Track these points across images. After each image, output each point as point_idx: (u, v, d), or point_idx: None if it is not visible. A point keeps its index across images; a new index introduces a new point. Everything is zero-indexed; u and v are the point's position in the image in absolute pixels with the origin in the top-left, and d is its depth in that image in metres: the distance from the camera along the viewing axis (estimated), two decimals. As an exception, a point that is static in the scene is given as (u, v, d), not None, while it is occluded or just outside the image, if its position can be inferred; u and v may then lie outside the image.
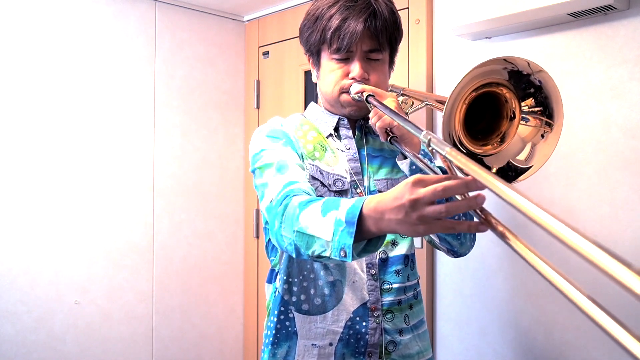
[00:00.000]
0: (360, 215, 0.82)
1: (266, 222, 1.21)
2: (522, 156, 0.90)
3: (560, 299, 1.49)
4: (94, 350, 2.03)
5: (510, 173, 0.90)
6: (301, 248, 0.91)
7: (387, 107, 1.02)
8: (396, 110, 1.00)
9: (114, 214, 2.09)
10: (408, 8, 1.81)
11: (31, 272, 1.90)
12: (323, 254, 0.87)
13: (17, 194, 1.87)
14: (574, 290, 0.56)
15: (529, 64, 0.84)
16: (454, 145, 0.83)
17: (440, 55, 1.78)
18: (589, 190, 1.42)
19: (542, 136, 0.88)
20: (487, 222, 0.74)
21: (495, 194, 0.61)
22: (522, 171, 0.89)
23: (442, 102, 1.15)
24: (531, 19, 1.43)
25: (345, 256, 0.83)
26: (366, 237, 0.84)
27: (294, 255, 0.96)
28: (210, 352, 2.36)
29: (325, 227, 0.86)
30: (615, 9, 1.33)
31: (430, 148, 0.79)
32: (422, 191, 0.73)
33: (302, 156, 1.15)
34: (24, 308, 1.88)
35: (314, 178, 1.14)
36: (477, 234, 1.23)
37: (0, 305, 1.83)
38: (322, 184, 1.14)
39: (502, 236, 0.69)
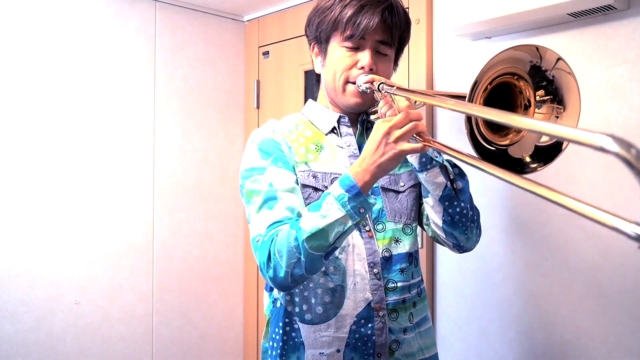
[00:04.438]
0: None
1: None
2: (544, 138, 0.93)
3: (560, 299, 1.49)
4: (94, 350, 2.03)
5: (544, 154, 0.92)
6: (320, 247, 0.97)
7: (404, 89, 1.02)
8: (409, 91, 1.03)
9: (114, 214, 2.09)
10: (408, 8, 1.81)
11: (31, 272, 1.90)
12: (345, 229, 0.98)
13: (17, 194, 1.87)
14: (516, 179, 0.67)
15: (558, 60, 0.90)
16: (475, 138, 0.92)
17: (440, 55, 1.78)
18: (589, 190, 1.42)
19: (557, 117, 0.92)
20: (428, 142, 0.97)
21: (439, 106, 0.85)
22: (557, 145, 0.93)
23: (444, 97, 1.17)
24: (531, 19, 1.43)
25: (365, 211, 0.98)
26: (366, 192, 0.99)
27: (302, 273, 1.00)
28: (210, 352, 2.36)
29: (331, 211, 0.97)
30: (615, 9, 1.33)
31: (383, 92, 1.03)
32: (390, 122, 0.96)
33: (295, 165, 1.14)
34: (24, 308, 1.88)
35: (305, 186, 1.13)
36: (482, 232, 1.24)
37: (0, 305, 1.83)
38: (315, 188, 1.13)
39: (433, 144, 0.96)
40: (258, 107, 2.45)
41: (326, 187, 1.13)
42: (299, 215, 1.06)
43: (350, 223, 0.97)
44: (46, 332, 1.92)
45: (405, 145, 0.95)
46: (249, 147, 1.18)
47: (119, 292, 2.10)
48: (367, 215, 1.00)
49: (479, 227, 1.20)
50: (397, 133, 0.95)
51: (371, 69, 1.13)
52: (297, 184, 1.12)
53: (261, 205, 1.08)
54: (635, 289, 1.35)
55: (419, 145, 0.96)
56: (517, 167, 0.91)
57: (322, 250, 0.98)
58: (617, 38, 1.38)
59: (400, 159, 0.97)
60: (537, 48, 0.89)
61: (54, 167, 1.95)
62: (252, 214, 1.10)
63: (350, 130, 1.21)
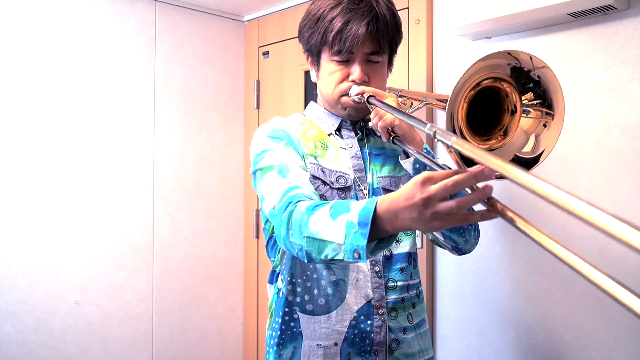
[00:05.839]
0: (375, 216, 0.83)
1: (266, 222, 1.22)
2: (528, 148, 0.90)
3: (560, 299, 1.49)
4: (94, 350, 2.03)
5: (521, 165, 0.89)
6: (312, 253, 0.92)
7: (389, 106, 1.02)
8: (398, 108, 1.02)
9: (114, 214, 2.09)
10: (408, 8, 1.81)
11: (31, 272, 1.90)
12: (336, 257, 0.88)
13: (17, 194, 1.87)
14: (587, 267, 0.59)
15: (531, 58, 0.85)
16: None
17: (440, 55, 1.78)
18: (589, 190, 1.42)
19: (545, 125, 0.89)
20: (495, 209, 0.74)
21: (508, 179, 0.63)
22: (534, 160, 0.89)
23: (441, 100, 1.15)
24: (531, 19, 1.43)
25: (359, 257, 0.84)
26: (379, 237, 0.85)
27: (305, 260, 0.96)
28: (210, 352, 2.36)
29: (337, 230, 0.87)
30: (615, 9, 1.33)
31: (436, 140, 0.79)
32: (433, 188, 0.74)
33: (303, 156, 1.16)
34: (24, 308, 1.88)
35: (315, 177, 1.14)
36: (480, 231, 1.24)
37: (0, 305, 1.83)
38: (324, 182, 1.15)
39: (511, 221, 0.70)
40: (258, 107, 2.45)
41: (332, 184, 1.15)
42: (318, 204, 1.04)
43: (342, 256, 0.87)
44: (46, 332, 1.92)
45: (445, 224, 0.77)
46: (258, 138, 1.19)
47: (119, 292, 2.10)
48: (363, 260, 0.86)
49: (477, 230, 1.21)
50: (436, 208, 0.75)
51: (363, 81, 1.14)
52: (306, 169, 1.14)
53: (275, 177, 1.07)
54: (635, 289, 1.35)
55: (474, 216, 0.77)
56: None
57: (315, 255, 0.93)
58: (617, 38, 1.38)
59: (436, 230, 0.84)
60: (509, 53, 0.85)
61: (54, 167, 1.95)
62: (267, 187, 1.08)
63: (352, 133, 1.23)
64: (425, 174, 0.77)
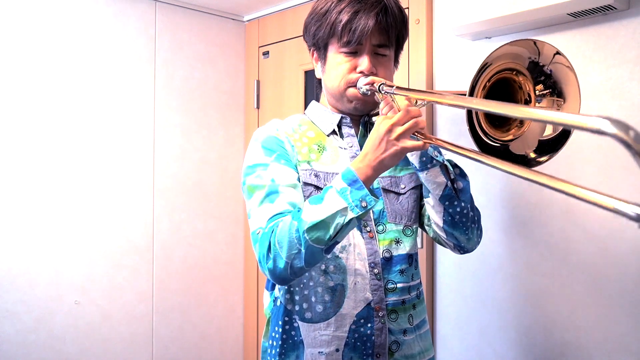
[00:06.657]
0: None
1: None
2: (548, 132, 0.94)
3: (560, 299, 1.49)
4: (94, 350, 2.03)
5: (548, 147, 0.93)
6: (319, 239, 0.97)
7: (404, 88, 1.04)
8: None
9: (114, 213, 2.09)
10: (408, 8, 1.81)
11: (31, 272, 1.90)
12: (345, 222, 0.98)
13: (17, 194, 1.87)
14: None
15: (557, 53, 0.92)
16: (476, 134, 0.93)
17: (440, 55, 1.78)
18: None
19: (558, 109, 0.93)
20: (429, 139, 1.01)
21: (438, 103, 0.86)
22: (561, 135, 0.93)
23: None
24: (531, 19, 1.43)
25: (367, 206, 0.98)
26: (367, 186, 0.99)
27: (302, 264, 0.99)
28: (210, 352, 2.36)
29: (333, 203, 0.98)
30: (615, 9, 1.33)
31: (383, 92, 1.06)
32: (391, 120, 0.99)
33: (297, 163, 1.15)
34: (24, 308, 1.88)
35: (306, 184, 1.14)
36: (482, 233, 1.24)
37: (0, 305, 1.83)
38: (317, 187, 1.14)
39: (435, 141, 1.01)
40: (258, 107, 2.45)
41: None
42: (300, 209, 1.07)
43: (351, 215, 0.97)
44: (46, 332, 1.92)
45: (407, 143, 0.98)
46: (252, 145, 1.19)
47: (119, 292, 2.10)
48: (369, 213, 0.99)
49: (479, 228, 1.20)
50: (399, 130, 0.98)
51: (371, 72, 1.14)
52: (299, 182, 1.13)
53: (263, 199, 1.08)
54: (635, 289, 1.35)
55: (420, 142, 0.99)
56: (521, 163, 0.91)
57: (322, 243, 0.98)
58: (617, 38, 1.38)
59: (401, 155, 0.99)
60: (534, 42, 0.90)
61: (54, 167, 1.95)
62: (254, 208, 1.10)
63: (352, 131, 1.22)
64: (381, 117, 1.02)
